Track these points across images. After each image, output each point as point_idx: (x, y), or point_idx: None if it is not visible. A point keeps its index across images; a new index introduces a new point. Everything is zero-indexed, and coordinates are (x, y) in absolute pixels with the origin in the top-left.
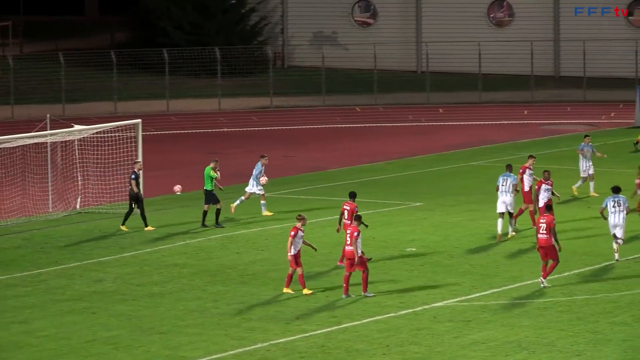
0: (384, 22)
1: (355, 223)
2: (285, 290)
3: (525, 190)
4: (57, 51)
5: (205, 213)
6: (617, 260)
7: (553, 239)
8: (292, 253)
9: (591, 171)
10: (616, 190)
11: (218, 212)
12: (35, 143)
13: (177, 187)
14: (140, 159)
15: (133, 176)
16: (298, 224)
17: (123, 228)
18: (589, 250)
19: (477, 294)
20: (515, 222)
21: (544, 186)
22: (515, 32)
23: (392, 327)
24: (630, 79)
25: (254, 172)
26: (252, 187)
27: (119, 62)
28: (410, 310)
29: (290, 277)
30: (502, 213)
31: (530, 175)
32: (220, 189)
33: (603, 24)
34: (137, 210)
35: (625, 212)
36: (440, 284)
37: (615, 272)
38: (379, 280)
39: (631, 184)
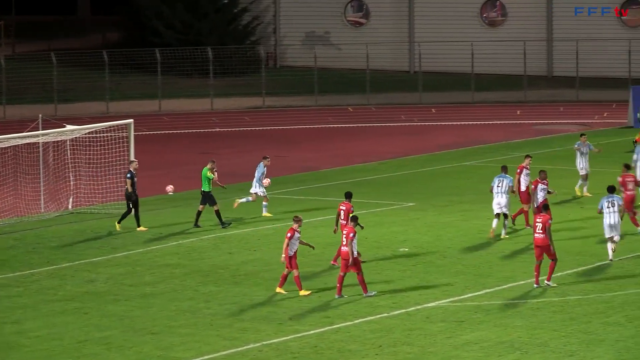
0: (377, 22)
1: (351, 224)
2: (278, 290)
3: (522, 190)
4: (49, 51)
5: (199, 213)
6: (610, 260)
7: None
8: (289, 255)
9: (585, 171)
10: (611, 189)
11: (217, 213)
12: (27, 143)
13: (170, 187)
14: (132, 158)
15: (128, 175)
16: (294, 225)
17: (117, 227)
18: (582, 251)
19: (470, 294)
20: (514, 221)
21: (540, 186)
22: (508, 31)
23: (385, 328)
24: (623, 79)
25: (256, 174)
26: (255, 189)
27: (111, 62)
28: (403, 311)
29: (285, 277)
30: (498, 214)
31: (528, 175)
32: (223, 187)
33: (596, 24)
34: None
35: (619, 212)
36: (433, 284)
37: (608, 273)
38: (372, 281)
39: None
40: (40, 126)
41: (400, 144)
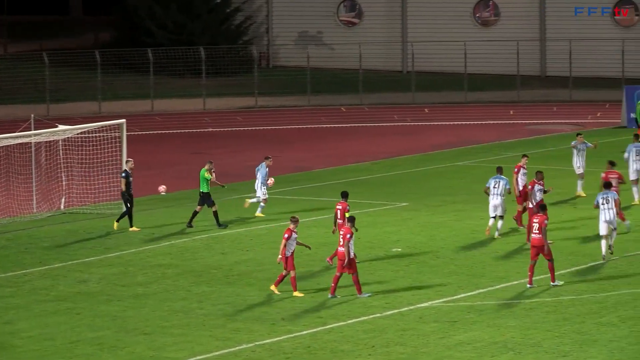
0: (370, 22)
1: (349, 224)
2: (272, 288)
3: (519, 189)
4: (41, 51)
5: (195, 213)
6: (604, 256)
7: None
8: (286, 255)
9: (582, 170)
10: (607, 186)
11: (215, 214)
12: (20, 143)
13: (162, 188)
14: (125, 158)
15: (123, 174)
16: (291, 226)
17: (115, 225)
18: (575, 251)
19: (463, 295)
20: (521, 223)
21: (537, 186)
22: (501, 31)
23: (378, 328)
24: (617, 79)
25: (259, 175)
26: (258, 191)
27: (103, 62)
28: (396, 311)
29: (283, 277)
30: (495, 216)
31: (525, 174)
32: (223, 186)
33: (589, 24)
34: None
35: (614, 208)
36: (426, 284)
37: (602, 273)
38: (365, 281)
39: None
40: (32, 126)
41: (393, 144)
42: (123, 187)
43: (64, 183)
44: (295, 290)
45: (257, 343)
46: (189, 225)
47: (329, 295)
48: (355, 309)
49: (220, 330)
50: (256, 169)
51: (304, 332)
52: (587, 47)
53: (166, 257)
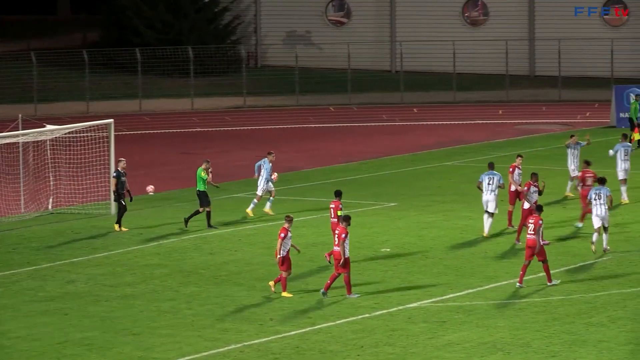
0: (358, 21)
1: (344, 224)
2: (271, 283)
3: (511, 190)
4: (29, 51)
5: (196, 212)
6: (593, 242)
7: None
8: (281, 255)
9: (577, 172)
10: (600, 181)
11: (208, 214)
12: (7, 143)
13: (150, 188)
14: (112, 158)
15: (114, 174)
16: (286, 225)
17: (116, 227)
18: (565, 251)
19: (452, 295)
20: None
21: (532, 188)
22: (490, 31)
23: (367, 328)
24: (606, 78)
25: (263, 173)
26: (264, 186)
27: (91, 61)
28: (385, 311)
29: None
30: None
31: (520, 174)
32: (217, 186)
33: (578, 23)
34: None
35: (607, 204)
36: (414, 284)
37: (591, 273)
38: (354, 281)
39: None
40: (20, 126)
41: (382, 143)
42: (113, 187)
43: (51, 183)
44: (284, 290)
45: (245, 343)
46: (186, 222)
47: (321, 290)
48: (344, 309)
49: (209, 330)
50: (256, 165)
51: (293, 333)
52: (576, 46)
53: (154, 258)
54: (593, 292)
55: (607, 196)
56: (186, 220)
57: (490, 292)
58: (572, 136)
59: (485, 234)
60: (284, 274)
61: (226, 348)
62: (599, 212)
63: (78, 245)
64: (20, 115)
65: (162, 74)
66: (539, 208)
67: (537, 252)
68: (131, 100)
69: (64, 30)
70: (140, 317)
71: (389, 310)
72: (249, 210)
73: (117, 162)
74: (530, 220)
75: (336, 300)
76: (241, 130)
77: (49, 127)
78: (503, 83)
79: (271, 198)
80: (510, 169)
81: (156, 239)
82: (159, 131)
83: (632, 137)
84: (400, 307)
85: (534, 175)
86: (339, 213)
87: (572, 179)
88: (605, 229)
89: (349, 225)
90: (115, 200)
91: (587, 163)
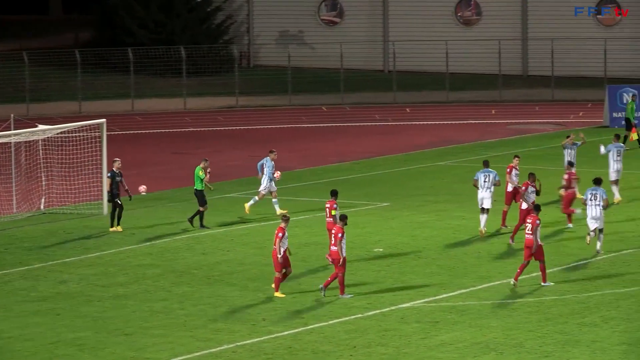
0: (351, 21)
1: (340, 223)
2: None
3: (508, 190)
4: (21, 50)
5: (203, 213)
6: (589, 235)
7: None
8: (279, 255)
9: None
10: (596, 182)
11: (201, 214)
12: None
13: (142, 188)
14: (104, 156)
15: (109, 174)
16: (283, 224)
17: (118, 229)
18: (558, 251)
19: (445, 295)
20: (505, 224)
21: (530, 188)
22: (483, 30)
23: (359, 328)
24: (599, 78)
25: (266, 171)
26: (266, 185)
27: (83, 61)
28: (378, 311)
29: (285, 277)
30: (483, 209)
31: (517, 175)
32: (210, 188)
33: (571, 23)
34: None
35: (602, 205)
36: (407, 284)
37: (584, 273)
38: (346, 282)
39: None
40: (12, 126)
41: (375, 143)
42: (108, 188)
43: (43, 183)
44: (277, 290)
45: (238, 344)
46: (191, 222)
47: (320, 286)
48: (336, 309)
49: (201, 330)
50: (258, 165)
51: (285, 333)
52: (570, 46)
53: (147, 258)
54: (586, 292)
55: (603, 198)
56: (190, 221)
57: (484, 292)
58: (568, 137)
59: (481, 230)
60: (277, 274)
61: (219, 348)
62: (594, 213)
63: (70, 246)
64: (12, 115)
65: (154, 73)
66: (536, 208)
67: (535, 252)
68: (123, 100)
69: (56, 30)
70: (132, 317)
71: (381, 311)
72: (247, 205)
73: (112, 162)
74: (528, 220)
75: (329, 300)
76: (234, 130)
77: (41, 127)
78: (496, 83)
79: (274, 200)
80: (508, 170)
81: (148, 239)
82: (151, 131)
83: (630, 137)
84: (393, 307)
85: (532, 175)
86: (333, 212)
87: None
88: (599, 230)
89: (346, 224)
90: (109, 201)
91: (571, 164)
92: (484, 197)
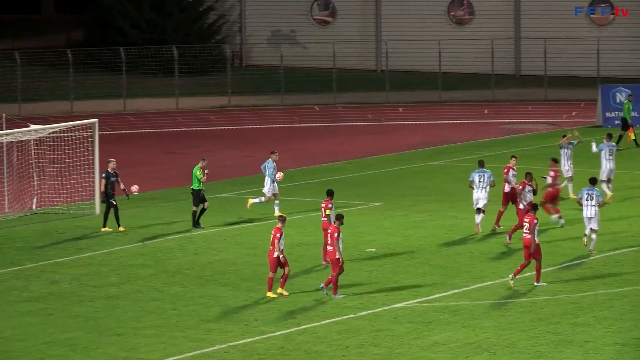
0: (343, 21)
1: (336, 223)
2: (279, 290)
3: (505, 190)
4: (13, 50)
5: (203, 211)
6: (585, 244)
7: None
8: (276, 255)
9: (571, 173)
10: (592, 182)
11: (194, 214)
12: None
13: (134, 187)
14: (97, 156)
15: (104, 175)
16: (279, 225)
17: (120, 229)
18: (551, 251)
19: (438, 295)
20: (498, 223)
21: (527, 187)
22: (476, 30)
23: (352, 329)
24: (592, 78)
25: (268, 172)
26: (270, 186)
27: (75, 61)
28: (370, 312)
29: (285, 277)
30: (479, 209)
31: (514, 175)
32: (203, 190)
33: (564, 23)
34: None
35: (597, 205)
36: (400, 284)
37: (577, 273)
38: (339, 282)
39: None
40: (4, 126)
41: (367, 143)
42: (102, 188)
43: (35, 183)
44: (270, 290)
45: (230, 344)
46: (198, 225)
47: (321, 285)
48: (329, 309)
49: (194, 331)
50: (262, 167)
51: (278, 333)
52: (562, 46)
53: (139, 258)
54: (579, 292)
55: (598, 198)
56: (195, 225)
57: (476, 292)
58: (564, 136)
59: (477, 231)
60: (270, 274)
61: (211, 348)
62: (589, 213)
63: (62, 246)
64: (4, 115)
65: (146, 73)
66: (534, 207)
67: (533, 251)
68: (115, 100)
69: (48, 29)
70: (124, 317)
71: (374, 311)
72: (251, 201)
73: (106, 163)
74: (526, 220)
75: (321, 300)
76: (226, 130)
77: (33, 126)
78: (489, 82)
79: (276, 201)
80: (505, 170)
81: (141, 239)
82: (143, 131)
83: (627, 137)
84: (386, 308)
85: (529, 175)
86: (327, 212)
87: (567, 179)
88: (594, 231)
89: (342, 224)
90: (103, 202)
91: (555, 161)
92: (480, 197)
